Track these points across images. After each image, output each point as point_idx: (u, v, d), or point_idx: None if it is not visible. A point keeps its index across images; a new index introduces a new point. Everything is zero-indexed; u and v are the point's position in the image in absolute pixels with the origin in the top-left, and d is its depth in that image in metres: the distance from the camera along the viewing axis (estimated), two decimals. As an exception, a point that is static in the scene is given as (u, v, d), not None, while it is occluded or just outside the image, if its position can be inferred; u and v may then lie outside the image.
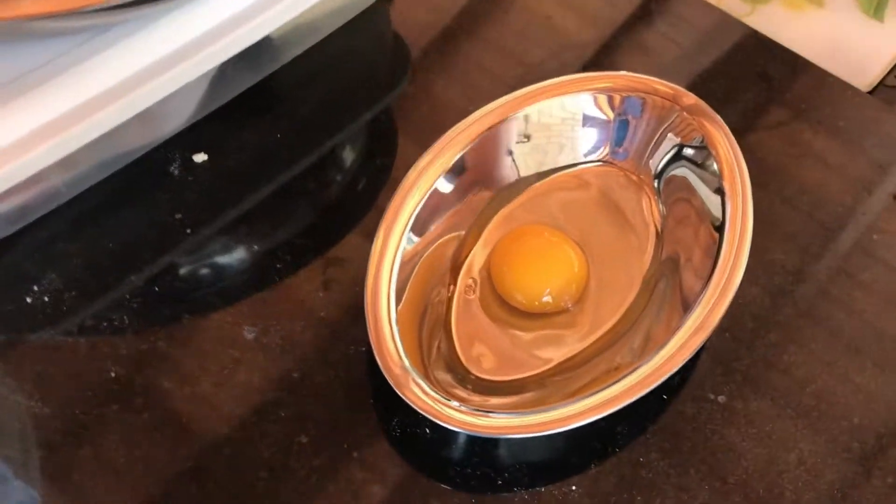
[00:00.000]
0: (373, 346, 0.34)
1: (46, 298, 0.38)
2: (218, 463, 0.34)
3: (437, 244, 0.39)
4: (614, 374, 0.35)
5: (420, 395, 0.33)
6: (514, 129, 0.40)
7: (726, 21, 0.48)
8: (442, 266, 0.39)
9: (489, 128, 0.39)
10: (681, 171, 0.40)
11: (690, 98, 0.40)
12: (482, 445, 0.35)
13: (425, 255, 0.38)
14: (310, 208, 0.42)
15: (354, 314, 0.38)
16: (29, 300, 0.38)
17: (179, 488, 0.34)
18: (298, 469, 0.34)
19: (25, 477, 0.34)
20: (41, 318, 0.37)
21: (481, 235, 0.40)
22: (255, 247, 0.40)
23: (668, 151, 0.40)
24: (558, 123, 0.40)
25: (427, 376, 0.34)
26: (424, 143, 0.40)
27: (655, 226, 0.39)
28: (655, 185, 0.40)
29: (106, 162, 0.41)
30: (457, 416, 0.32)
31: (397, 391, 0.33)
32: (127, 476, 0.34)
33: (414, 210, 0.38)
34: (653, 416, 0.36)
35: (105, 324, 0.37)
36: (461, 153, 0.39)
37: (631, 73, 0.40)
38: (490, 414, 0.33)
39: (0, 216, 0.38)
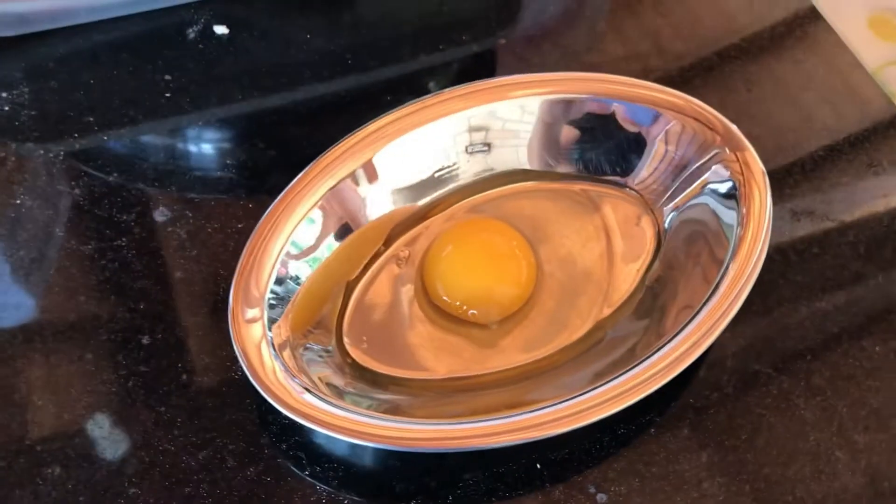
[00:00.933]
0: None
1: (6, 108, 0.37)
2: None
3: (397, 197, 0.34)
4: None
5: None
6: (552, 113, 0.34)
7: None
8: (387, 224, 0.34)
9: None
10: (697, 208, 0.32)
11: (742, 142, 0.32)
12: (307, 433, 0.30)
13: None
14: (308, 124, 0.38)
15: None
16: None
17: None
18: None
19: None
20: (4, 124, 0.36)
21: (442, 214, 0.34)
22: (207, 146, 0.37)
23: (689, 182, 0.33)
24: (594, 129, 0.34)
25: (300, 338, 0.30)
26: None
27: (642, 272, 0.32)
28: (659, 205, 0.33)
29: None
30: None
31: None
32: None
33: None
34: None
35: (52, 154, 0.36)
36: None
37: (672, 90, 0.33)
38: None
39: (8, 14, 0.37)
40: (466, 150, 0.34)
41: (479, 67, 0.41)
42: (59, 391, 0.30)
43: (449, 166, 0.34)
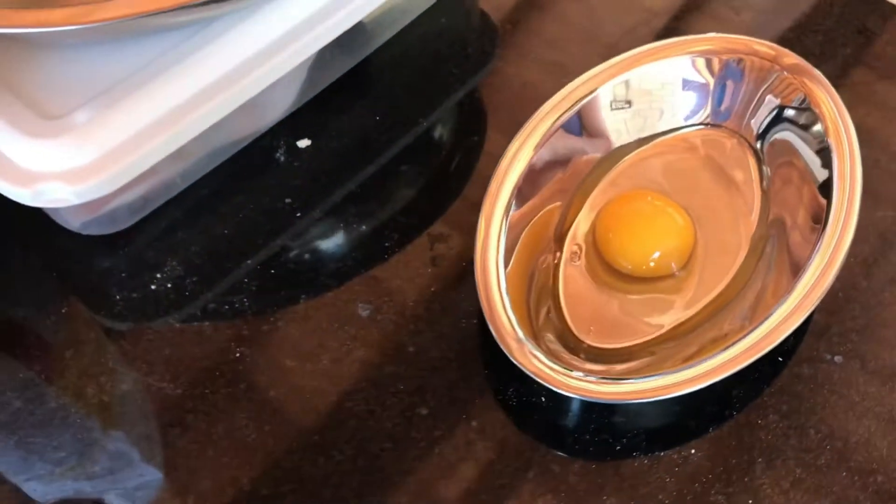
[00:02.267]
0: (487, 320, 0.35)
1: (169, 285, 0.40)
2: (342, 436, 0.36)
3: (541, 213, 0.39)
4: (724, 339, 0.35)
5: (539, 365, 0.34)
6: (614, 95, 0.40)
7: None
8: (546, 234, 0.39)
9: (587, 95, 0.40)
10: (784, 132, 0.39)
11: (791, 57, 0.39)
12: (599, 412, 0.35)
13: (529, 223, 0.39)
14: (411, 186, 0.43)
15: (463, 287, 0.39)
16: (154, 287, 0.40)
17: (307, 461, 0.35)
18: (420, 439, 0.35)
19: (149, 457, 0.36)
20: (166, 304, 0.39)
21: (585, 202, 0.40)
22: (363, 227, 0.41)
23: (770, 113, 0.40)
24: (658, 88, 0.40)
25: (540, 345, 0.35)
26: (514, 117, 0.41)
27: (761, 187, 0.39)
28: (758, 146, 0.40)
29: (216, 151, 0.43)
30: (579, 384, 0.33)
31: (516, 363, 0.34)
32: (258, 451, 0.35)
33: (517, 181, 0.38)
34: (768, 378, 0.36)
35: (226, 307, 0.39)
36: (561, 122, 0.39)
37: (729, 35, 0.40)
38: (612, 381, 0.33)
39: (122, 207, 0.40)
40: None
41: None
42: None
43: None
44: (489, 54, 0.47)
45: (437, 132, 0.45)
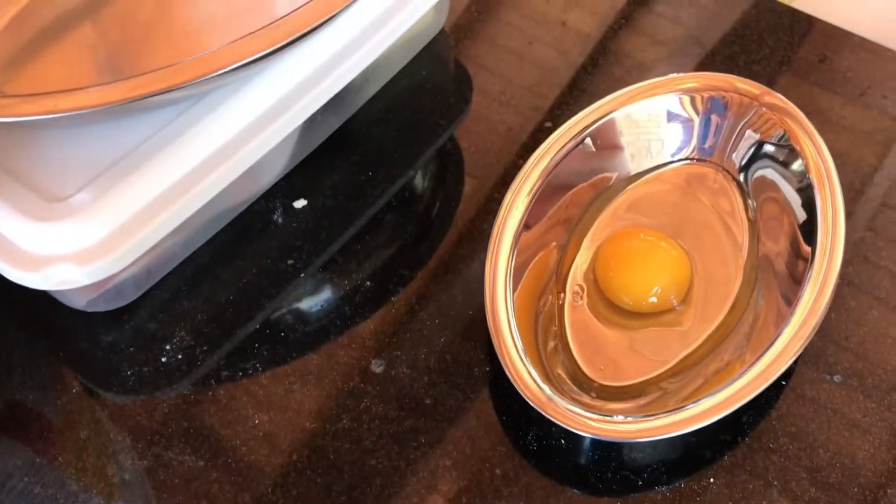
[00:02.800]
0: (506, 370, 0.36)
1: (180, 356, 0.40)
2: (370, 495, 0.36)
3: (539, 255, 0.40)
4: (727, 370, 0.36)
5: (562, 410, 0.35)
6: (604, 134, 0.42)
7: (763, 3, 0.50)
8: (546, 275, 0.40)
9: (579, 134, 0.41)
10: (765, 168, 0.41)
11: (773, 96, 0.41)
12: (617, 450, 0.36)
13: (529, 266, 0.40)
14: (407, 238, 0.44)
15: (471, 335, 0.40)
16: (164, 360, 0.40)
17: (337, 523, 0.36)
18: (447, 492, 0.36)
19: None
20: (178, 375, 0.39)
21: (582, 242, 0.41)
22: (368, 282, 0.42)
23: (751, 148, 0.41)
24: (645, 125, 0.42)
25: (555, 388, 0.36)
26: (502, 161, 0.42)
27: (748, 218, 0.41)
28: (741, 179, 0.42)
29: (214, 218, 0.43)
30: (604, 426, 0.34)
31: (540, 410, 0.35)
32: (287, 516, 0.36)
33: (517, 228, 0.40)
34: (774, 402, 0.37)
35: (240, 373, 0.39)
36: (553, 166, 0.41)
37: (714, 73, 0.42)
38: (636, 420, 0.34)
39: (127, 281, 0.40)
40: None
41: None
42: None
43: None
44: (465, 103, 0.48)
45: (425, 182, 0.46)
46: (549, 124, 0.46)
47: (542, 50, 0.50)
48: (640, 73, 0.48)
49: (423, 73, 0.49)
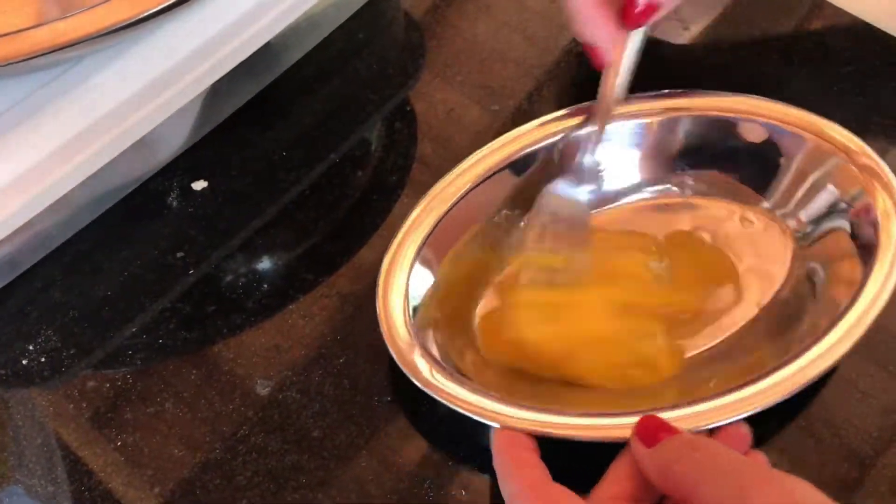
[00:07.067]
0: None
1: (43, 359, 0.35)
2: (236, 538, 0.32)
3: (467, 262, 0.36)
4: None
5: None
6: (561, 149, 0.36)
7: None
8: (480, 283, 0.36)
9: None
10: (832, 221, 0.35)
11: (867, 156, 0.34)
12: None
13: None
14: (316, 235, 0.38)
15: (376, 359, 0.35)
16: (25, 362, 0.35)
17: (197, 568, 0.31)
18: (323, 543, 0.32)
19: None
20: (39, 382, 0.35)
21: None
22: (264, 285, 0.37)
23: (821, 198, 0.35)
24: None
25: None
26: (439, 147, 0.36)
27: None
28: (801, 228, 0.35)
29: (98, 198, 0.38)
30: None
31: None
32: (140, 559, 0.31)
33: (423, 240, 0.35)
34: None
35: (107, 385, 0.35)
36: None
37: (802, 111, 0.36)
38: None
39: (-14, 270, 0.35)
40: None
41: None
42: None
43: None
44: (412, 76, 0.42)
45: (349, 168, 0.40)
46: (496, 107, 0.40)
47: (516, 17, 0.43)
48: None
49: (360, 36, 0.43)
